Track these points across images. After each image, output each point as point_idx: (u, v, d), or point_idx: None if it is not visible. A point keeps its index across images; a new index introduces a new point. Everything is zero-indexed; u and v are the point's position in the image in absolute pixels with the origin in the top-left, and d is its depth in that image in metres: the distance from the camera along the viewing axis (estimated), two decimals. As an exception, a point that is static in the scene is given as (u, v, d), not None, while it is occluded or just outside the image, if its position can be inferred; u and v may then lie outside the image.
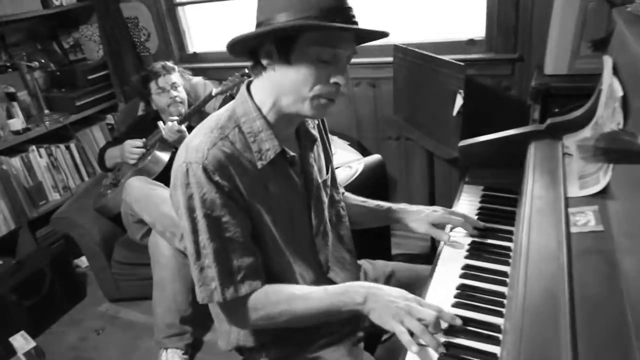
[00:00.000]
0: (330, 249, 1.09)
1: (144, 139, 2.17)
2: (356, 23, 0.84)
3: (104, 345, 2.12)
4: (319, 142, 1.08)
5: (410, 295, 0.86)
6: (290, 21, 0.80)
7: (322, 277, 1.07)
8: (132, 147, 2.14)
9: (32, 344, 2.02)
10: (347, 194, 1.28)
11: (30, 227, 2.49)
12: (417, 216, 1.17)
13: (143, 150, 2.15)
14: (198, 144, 0.86)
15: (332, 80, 0.85)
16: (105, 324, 2.25)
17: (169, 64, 2.18)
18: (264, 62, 0.87)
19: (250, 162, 0.91)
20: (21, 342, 2.01)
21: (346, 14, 0.82)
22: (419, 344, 0.79)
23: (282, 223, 0.98)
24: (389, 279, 1.23)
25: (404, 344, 0.80)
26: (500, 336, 0.82)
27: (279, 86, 0.88)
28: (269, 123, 0.92)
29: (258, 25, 0.86)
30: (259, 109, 0.92)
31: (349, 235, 1.18)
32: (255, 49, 0.88)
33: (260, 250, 0.96)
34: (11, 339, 2.02)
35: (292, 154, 0.95)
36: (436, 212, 1.15)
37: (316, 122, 1.10)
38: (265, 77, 0.90)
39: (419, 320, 0.80)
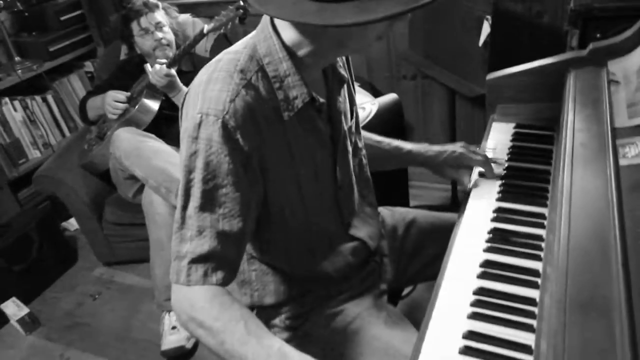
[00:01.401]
0: (355, 203, 1.08)
1: (127, 93, 2.14)
2: None
3: (101, 311, 2.17)
4: (347, 83, 1.03)
5: None
6: None
7: (344, 232, 1.06)
8: (114, 102, 2.11)
9: (25, 310, 2.08)
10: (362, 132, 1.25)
11: (11, 188, 2.51)
12: (438, 159, 1.17)
13: (126, 105, 2.12)
14: (218, 93, 0.80)
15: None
16: (100, 288, 2.30)
17: (152, 0, 2.11)
18: None
19: (275, 112, 0.86)
20: (13, 308, 2.07)
21: None
22: None
23: (306, 178, 0.95)
24: (410, 227, 1.24)
25: None
26: (538, 280, 0.83)
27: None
28: (297, 66, 0.85)
29: None
30: (285, 48, 0.84)
31: (370, 186, 1.16)
32: None
33: (278, 213, 0.94)
34: (2, 306, 2.09)
35: (321, 100, 0.91)
36: (455, 152, 1.15)
37: (343, 58, 1.04)
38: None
39: None
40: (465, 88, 1.83)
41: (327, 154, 0.98)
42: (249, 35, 0.89)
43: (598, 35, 1.51)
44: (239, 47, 0.88)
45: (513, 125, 1.33)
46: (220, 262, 0.83)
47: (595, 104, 1.05)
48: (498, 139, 1.29)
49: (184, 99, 0.89)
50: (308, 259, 1.03)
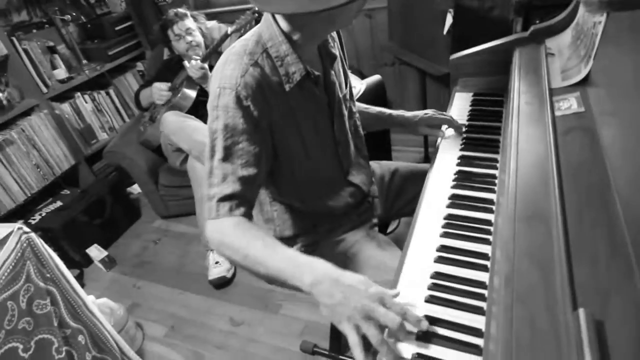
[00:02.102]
0: (352, 156, 1.06)
1: (169, 83, 2.11)
2: None
3: (161, 252, 2.19)
4: (338, 59, 1.00)
5: (373, 290, 0.63)
6: None
7: (343, 179, 1.05)
8: (160, 90, 2.08)
9: (105, 253, 2.10)
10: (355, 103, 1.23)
11: (87, 162, 2.51)
12: (414, 119, 1.15)
13: (169, 93, 2.09)
14: (232, 71, 0.80)
15: None
16: (160, 235, 2.31)
17: (181, 10, 2.05)
18: None
19: (279, 85, 0.85)
20: (96, 252, 2.10)
21: None
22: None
23: (309, 137, 0.93)
24: (394, 175, 1.22)
25: (354, 356, 0.61)
26: (493, 207, 0.83)
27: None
28: (294, 46, 0.83)
29: None
30: (284, 33, 0.83)
31: (363, 142, 1.14)
32: None
33: (288, 165, 0.93)
34: (88, 250, 2.11)
35: (316, 73, 0.88)
36: (427, 114, 1.14)
37: (336, 40, 1.01)
38: None
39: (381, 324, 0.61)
40: (433, 69, 1.78)
41: (326, 117, 0.96)
42: (256, 27, 0.88)
43: (537, 21, 1.47)
44: (248, 35, 0.87)
45: (471, 94, 1.30)
46: (241, 199, 0.82)
47: (536, 71, 1.02)
48: (460, 104, 1.26)
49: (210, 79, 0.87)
50: (316, 200, 1.02)
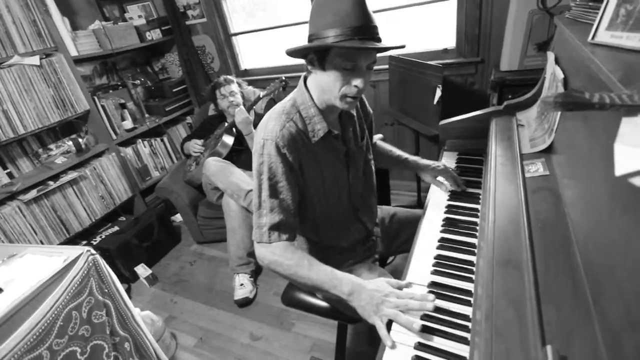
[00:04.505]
0: (360, 196, 1.06)
1: (201, 141, 2.22)
2: (379, 39, 0.77)
3: (196, 272, 2.18)
4: (356, 118, 1.02)
5: (389, 290, 0.76)
6: (325, 38, 0.76)
7: (353, 217, 1.05)
8: (195, 145, 2.20)
9: (149, 271, 2.10)
10: (379, 142, 1.25)
11: (141, 195, 2.56)
12: (426, 168, 1.14)
13: (202, 148, 2.19)
14: (273, 126, 0.84)
15: (354, 83, 0.80)
16: (195, 258, 2.30)
17: (229, 77, 2.16)
18: (309, 67, 0.85)
19: (307, 138, 0.88)
20: (142, 270, 2.10)
21: (369, 33, 0.76)
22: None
23: (328, 180, 0.94)
24: (392, 218, 1.22)
25: (381, 338, 0.69)
26: (475, 250, 0.83)
27: (320, 85, 0.85)
28: (319, 110, 0.88)
29: (309, 36, 0.81)
30: (312, 99, 0.88)
31: (373, 187, 1.12)
32: (305, 55, 0.84)
33: (310, 202, 0.93)
34: (136, 268, 2.11)
35: (335, 132, 0.92)
36: (439, 167, 1.12)
37: (358, 108, 1.05)
38: (313, 77, 0.87)
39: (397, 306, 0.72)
40: (425, 130, 1.81)
41: (343, 165, 0.98)
42: (292, 93, 0.93)
43: (509, 96, 1.52)
44: (286, 100, 0.92)
45: (457, 153, 1.32)
46: (286, 227, 0.86)
47: (509, 138, 1.05)
48: (448, 162, 1.27)
49: (255, 133, 0.92)
50: (330, 234, 1.03)
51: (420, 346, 0.64)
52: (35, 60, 1.82)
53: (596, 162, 0.56)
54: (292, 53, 0.83)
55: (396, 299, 0.73)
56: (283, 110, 0.88)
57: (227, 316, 1.80)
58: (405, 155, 1.22)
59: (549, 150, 0.88)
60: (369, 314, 0.74)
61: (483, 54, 1.87)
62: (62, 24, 1.97)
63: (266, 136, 0.84)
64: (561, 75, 0.85)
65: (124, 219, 2.43)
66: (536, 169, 0.84)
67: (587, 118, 0.68)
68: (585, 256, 0.54)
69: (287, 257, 0.84)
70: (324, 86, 0.84)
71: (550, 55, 1.01)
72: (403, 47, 0.82)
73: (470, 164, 1.23)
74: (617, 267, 0.42)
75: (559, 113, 0.86)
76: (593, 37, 0.68)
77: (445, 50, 1.98)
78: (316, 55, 0.81)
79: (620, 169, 0.30)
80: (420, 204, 2.24)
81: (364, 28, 0.75)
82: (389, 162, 1.22)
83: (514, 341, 0.49)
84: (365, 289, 0.77)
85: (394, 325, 0.71)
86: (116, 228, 2.31)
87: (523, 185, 0.80)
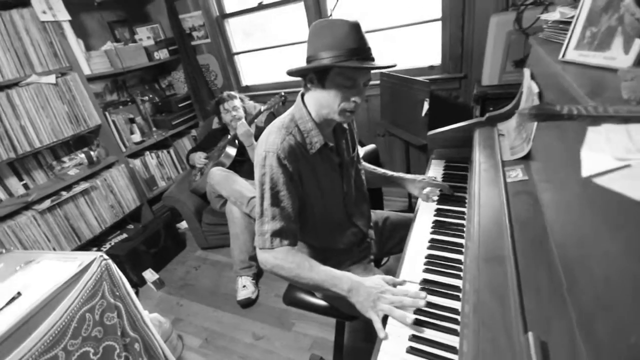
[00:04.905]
0: (353, 203, 1.07)
1: (204, 154, 2.23)
2: (373, 59, 0.81)
3: (201, 276, 2.16)
4: (348, 132, 1.06)
5: (385, 287, 0.77)
6: (324, 59, 0.79)
7: (348, 221, 1.06)
8: (199, 157, 2.20)
9: (156, 276, 2.08)
10: (364, 163, 1.26)
11: (149, 203, 2.55)
12: (412, 182, 1.16)
13: (206, 160, 2.19)
14: (274, 139, 0.86)
15: (352, 99, 0.83)
16: (200, 263, 2.29)
17: (233, 93, 2.18)
18: (309, 85, 0.87)
19: (306, 150, 0.90)
20: (149, 275, 2.08)
21: (365, 53, 0.79)
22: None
23: (325, 188, 0.96)
24: (385, 221, 1.23)
25: (376, 330, 0.71)
26: (463, 249, 0.85)
27: (319, 101, 0.87)
28: (316, 124, 0.90)
29: (308, 57, 0.84)
30: (309, 114, 0.90)
31: (365, 194, 1.15)
32: (305, 74, 0.87)
33: (309, 209, 0.94)
34: (144, 274, 2.10)
35: (331, 144, 0.94)
36: (424, 179, 1.15)
37: (350, 123, 1.08)
38: (311, 93, 0.89)
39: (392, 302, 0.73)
40: (414, 140, 1.84)
41: (337, 175, 1.00)
42: (291, 108, 0.95)
43: (491, 109, 1.55)
44: (285, 115, 0.94)
45: (444, 161, 1.34)
46: (287, 233, 0.86)
47: (491, 147, 1.07)
48: (436, 169, 1.30)
49: (257, 145, 0.93)
50: (327, 238, 1.04)
51: (414, 338, 0.66)
52: (51, 79, 1.84)
53: (568, 167, 0.59)
54: (294, 73, 0.85)
55: (391, 296, 0.74)
56: (282, 124, 0.90)
57: (230, 317, 1.79)
58: (389, 172, 1.23)
59: (527, 157, 0.90)
60: (366, 309, 0.76)
61: (466, 70, 1.91)
62: (76, 45, 1.99)
63: (268, 149, 0.85)
64: (536, 89, 0.89)
65: (132, 226, 2.42)
66: (516, 174, 0.87)
67: (560, 128, 0.71)
68: (561, 250, 0.57)
69: (289, 260, 0.84)
70: (324, 102, 0.85)
71: (527, 71, 1.05)
72: (394, 66, 0.85)
73: (456, 171, 1.25)
74: (588, 258, 0.45)
75: (536, 124, 0.89)
76: (563, 55, 0.71)
77: (432, 67, 2.03)
78: (316, 74, 0.83)
79: (586, 171, 0.33)
80: (411, 208, 2.25)
81: (361, 49, 0.78)
82: (376, 180, 1.24)
83: (499, 330, 0.51)
84: (363, 285, 0.78)
85: (389, 318, 0.72)
86: (125, 235, 2.30)
87: (505, 189, 0.82)
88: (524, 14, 1.42)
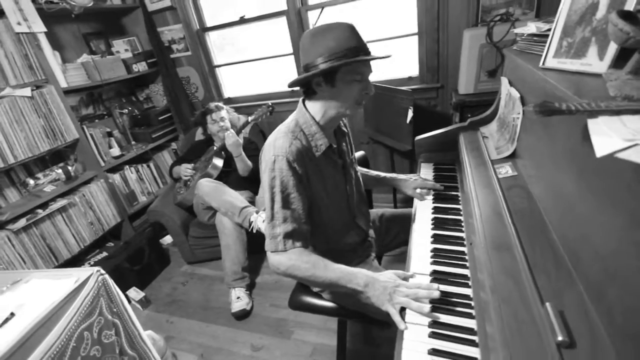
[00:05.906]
0: (355, 204, 1.10)
1: (190, 165, 2.19)
2: (370, 53, 0.86)
3: (189, 291, 2.10)
4: (347, 135, 1.10)
5: (398, 281, 0.80)
6: (331, 60, 0.81)
7: (352, 222, 1.08)
8: (185, 169, 2.17)
9: (142, 294, 2.00)
10: (357, 166, 1.29)
11: (129, 219, 2.45)
12: (405, 182, 1.20)
13: (192, 171, 2.16)
14: (282, 143, 0.87)
15: (365, 92, 0.88)
16: (187, 278, 2.22)
17: (220, 104, 2.17)
18: (317, 89, 0.88)
19: (312, 153, 0.92)
20: (134, 294, 1.99)
21: (366, 49, 0.84)
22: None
23: (330, 190, 0.98)
24: (381, 218, 1.27)
25: (395, 323, 0.74)
26: (465, 242, 0.91)
27: (329, 101, 0.89)
28: (320, 127, 0.93)
29: (305, 66, 0.86)
30: (313, 118, 0.93)
31: (364, 194, 1.18)
32: (308, 82, 0.89)
33: (316, 211, 0.95)
34: (127, 293, 2.01)
35: (334, 146, 0.97)
36: (417, 179, 1.20)
37: (347, 124, 1.13)
38: (317, 98, 0.91)
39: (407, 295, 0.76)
40: (399, 146, 1.90)
41: (341, 176, 1.02)
42: (293, 114, 0.97)
43: (469, 115, 1.65)
44: (289, 120, 0.95)
45: (432, 164, 1.40)
46: (299, 234, 0.87)
47: (478, 149, 1.15)
48: (426, 171, 1.35)
49: (262, 152, 0.94)
50: (334, 239, 1.05)
51: (433, 324, 0.70)
52: (26, 91, 1.74)
53: (558, 159, 0.67)
54: (296, 82, 0.88)
55: (406, 289, 0.77)
56: (288, 129, 0.92)
57: (225, 331, 1.74)
58: (382, 174, 1.28)
59: (513, 155, 0.98)
60: (382, 302, 0.78)
61: (442, 80, 2.04)
62: (52, 58, 1.91)
63: (277, 153, 0.86)
64: (517, 95, 0.98)
65: (112, 244, 2.30)
66: (506, 171, 0.94)
67: (546, 126, 0.79)
68: (560, 233, 0.63)
69: (303, 260, 0.86)
70: (337, 100, 0.88)
71: (504, 80, 1.15)
72: (390, 56, 0.90)
73: (445, 172, 1.33)
74: (591, 235, 0.51)
75: (519, 125, 0.98)
76: (543, 63, 0.81)
77: (410, 78, 2.14)
78: (324, 77, 0.85)
79: (599, 152, 0.39)
80: (396, 205, 2.31)
81: (364, 46, 0.84)
82: (369, 182, 1.28)
83: (518, 305, 0.56)
84: (378, 280, 0.81)
85: (407, 311, 0.76)
86: (104, 254, 2.18)
87: (498, 184, 0.88)
88: (494, 29, 1.57)
